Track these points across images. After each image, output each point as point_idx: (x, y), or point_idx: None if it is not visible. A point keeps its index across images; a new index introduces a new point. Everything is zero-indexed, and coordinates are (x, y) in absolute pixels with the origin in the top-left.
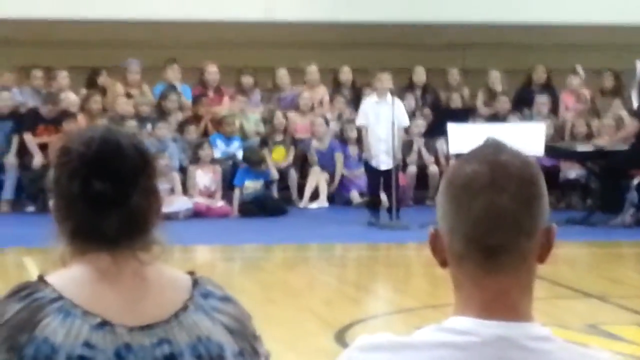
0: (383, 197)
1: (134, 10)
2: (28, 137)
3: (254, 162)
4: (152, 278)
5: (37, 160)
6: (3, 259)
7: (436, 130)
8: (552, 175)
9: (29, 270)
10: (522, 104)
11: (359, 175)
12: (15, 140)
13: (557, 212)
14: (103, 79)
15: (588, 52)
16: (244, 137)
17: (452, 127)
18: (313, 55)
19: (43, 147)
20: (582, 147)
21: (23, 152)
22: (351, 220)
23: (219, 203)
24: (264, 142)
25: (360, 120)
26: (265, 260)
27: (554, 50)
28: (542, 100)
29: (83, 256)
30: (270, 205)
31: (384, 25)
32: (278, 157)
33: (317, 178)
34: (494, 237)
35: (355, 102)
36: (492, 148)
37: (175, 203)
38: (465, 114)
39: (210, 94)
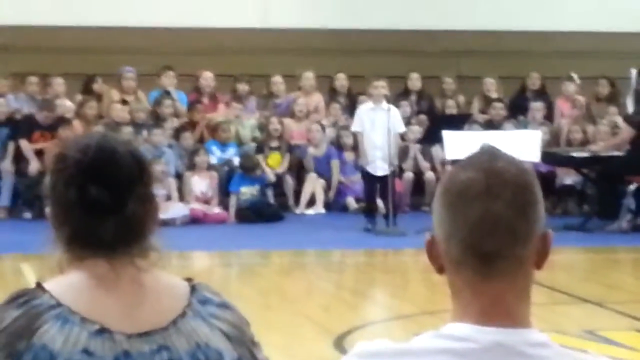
0: (379, 203)
1: (130, 18)
2: (24, 144)
3: (248, 169)
4: (149, 285)
5: (33, 166)
6: (0, 265)
7: (432, 136)
8: (548, 181)
9: (26, 276)
10: (517, 110)
11: (355, 181)
12: (11, 147)
13: (554, 218)
14: (98, 86)
15: (584, 59)
16: (239, 143)
17: (447, 134)
18: (309, 62)
19: (39, 154)
20: (578, 153)
21: (19, 159)
22: (348, 226)
23: (216, 209)
24: (260, 148)
25: (355, 127)
26: (262, 266)
27: (549, 58)
28: (536, 107)
29: (80, 263)
30: (266, 212)
31: (380, 32)
32: (274, 163)
33: (314, 184)
34: (490, 243)
35: (350, 109)
36: (488, 155)
37: (172, 209)
38: (460, 121)
39: (206, 100)
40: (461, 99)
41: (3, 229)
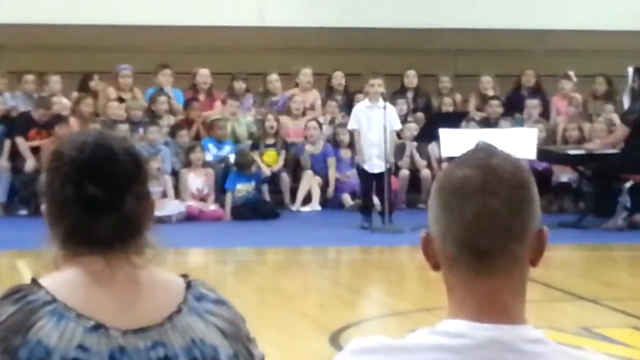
0: (376, 200)
1: (126, 16)
2: (20, 141)
3: (244, 166)
4: (145, 281)
5: (30, 163)
6: None
7: (428, 134)
8: (544, 178)
9: (21, 273)
10: (512, 108)
11: (351, 177)
12: (7, 144)
13: (550, 215)
14: (95, 84)
15: (581, 57)
16: (235, 140)
17: (444, 132)
18: (305, 60)
19: (35, 151)
20: (574, 151)
21: (15, 156)
22: (344, 223)
23: (212, 206)
24: (256, 145)
25: (352, 125)
26: (258, 263)
27: (546, 56)
28: (532, 105)
29: (76, 259)
30: (262, 209)
31: (376, 30)
32: (270, 160)
33: (310, 182)
34: (485, 240)
35: (347, 107)
36: (484, 152)
37: (168, 207)
38: (457, 119)
39: (202, 98)
40: (458, 96)
41: None
